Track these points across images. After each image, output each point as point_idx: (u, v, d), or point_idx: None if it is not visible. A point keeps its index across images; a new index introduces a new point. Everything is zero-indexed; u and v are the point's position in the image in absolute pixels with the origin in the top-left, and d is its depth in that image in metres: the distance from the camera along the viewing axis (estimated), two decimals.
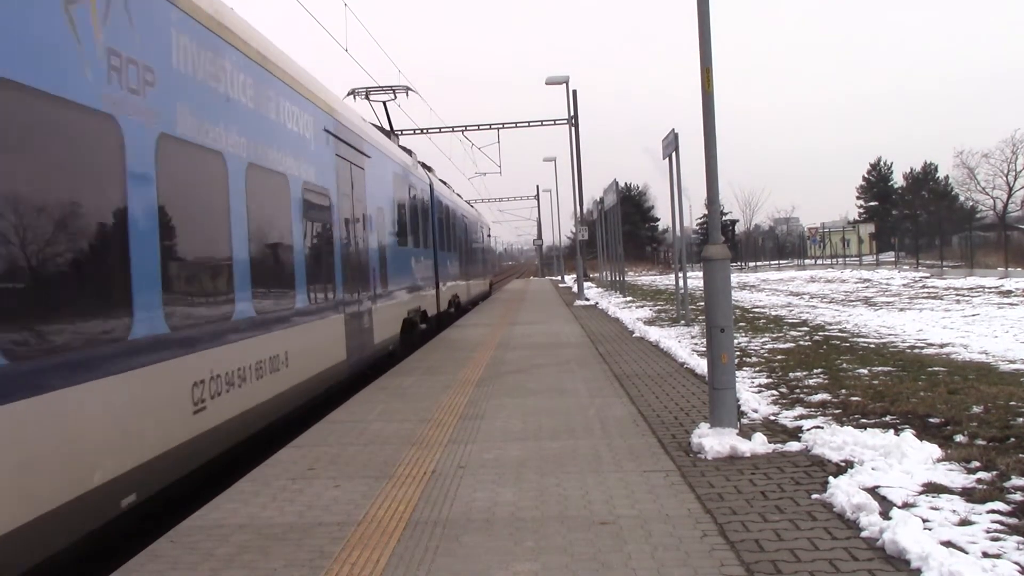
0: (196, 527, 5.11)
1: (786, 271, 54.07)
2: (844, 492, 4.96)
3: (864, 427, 6.85)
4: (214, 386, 6.45)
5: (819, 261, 64.51)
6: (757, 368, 10.80)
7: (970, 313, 17.67)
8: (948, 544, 4.22)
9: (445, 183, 26.08)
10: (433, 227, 20.03)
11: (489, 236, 45.60)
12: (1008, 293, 23.14)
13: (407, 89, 20.73)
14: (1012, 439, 6.36)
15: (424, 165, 21.49)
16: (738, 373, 9.39)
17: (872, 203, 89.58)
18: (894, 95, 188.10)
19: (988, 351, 11.42)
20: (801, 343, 13.37)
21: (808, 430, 6.85)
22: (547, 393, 9.47)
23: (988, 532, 4.46)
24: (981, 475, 5.49)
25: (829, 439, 6.33)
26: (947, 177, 79.03)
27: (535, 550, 4.45)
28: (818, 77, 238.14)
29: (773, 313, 20.16)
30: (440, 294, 20.31)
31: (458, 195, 30.48)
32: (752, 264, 66.93)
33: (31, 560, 4.15)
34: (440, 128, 37.73)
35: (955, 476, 5.51)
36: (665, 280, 46.91)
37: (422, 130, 37.06)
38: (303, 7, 16.18)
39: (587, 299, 29.21)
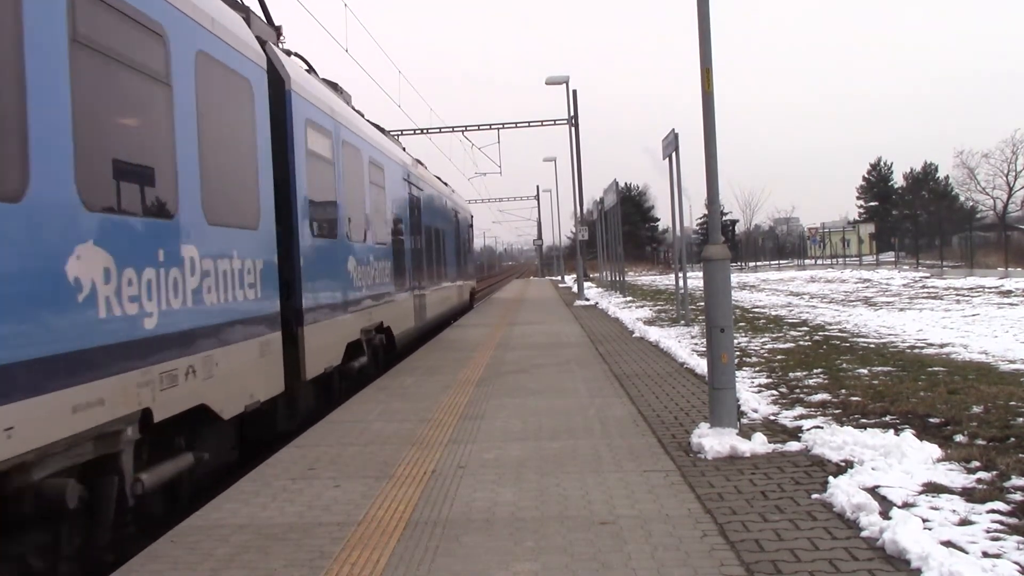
0: (196, 527, 5.11)
1: (786, 271, 54.07)
2: (844, 492, 4.96)
3: (864, 427, 6.85)
4: None
5: (819, 261, 64.52)
6: (757, 368, 10.80)
7: (970, 313, 17.68)
8: (948, 544, 4.22)
9: (380, 128, 15.42)
10: (291, 185, 8.73)
11: (471, 227, 32.60)
12: (1008, 293, 23.14)
13: None
14: (1012, 439, 6.36)
15: (329, 84, 11.67)
16: (738, 373, 9.39)
17: (872, 203, 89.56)
18: (894, 95, 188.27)
19: (988, 351, 11.41)
20: (801, 343, 13.37)
21: (808, 430, 6.85)
22: (547, 393, 9.47)
23: (988, 532, 4.46)
24: (981, 475, 5.49)
25: (829, 439, 6.33)
26: (947, 177, 79.12)
27: (535, 550, 4.45)
28: (818, 77, 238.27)
29: (773, 313, 20.16)
30: (309, 341, 8.83)
31: (421, 165, 19.79)
32: (752, 264, 66.94)
33: None
34: (440, 128, 37.79)
35: (955, 476, 5.51)
36: (665, 280, 46.91)
37: (422, 130, 37.12)
38: (303, 7, 16.19)
39: (587, 299, 29.21)
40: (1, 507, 4.29)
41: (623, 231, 33.95)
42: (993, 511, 4.77)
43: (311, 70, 10.82)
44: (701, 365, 10.13)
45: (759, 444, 6.39)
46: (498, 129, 37.75)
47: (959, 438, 6.48)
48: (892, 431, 6.48)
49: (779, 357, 11.75)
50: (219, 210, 6.61)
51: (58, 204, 4.48)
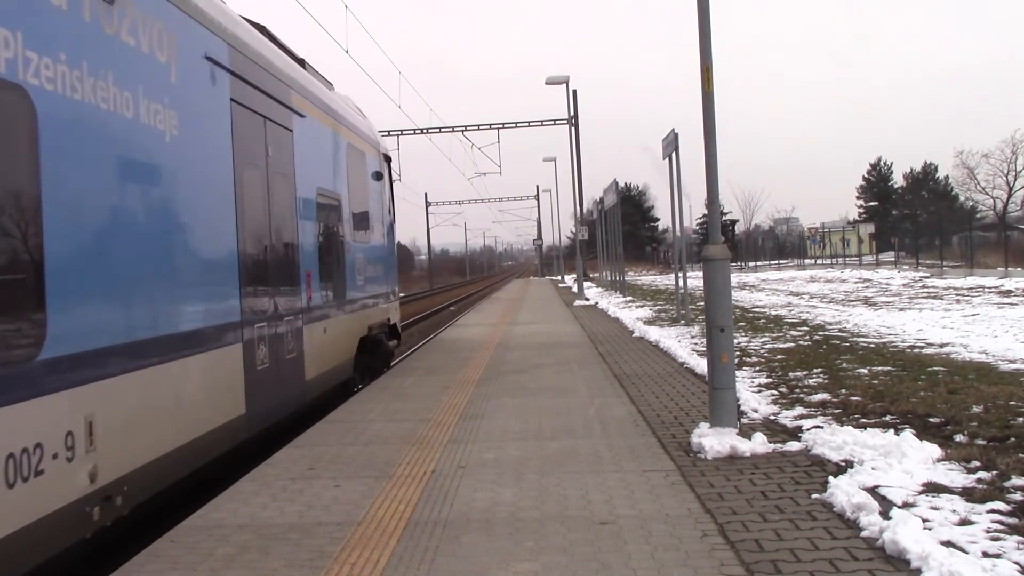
0: (196, 527, 5.11)
1: (786, 271, 54.06)
2: (844, 492, 4.96)
3: (864, 427, 6.85)
4: None
5: (819, 261, 64.47)
6: (757, 368, 10.80)
7: (970, 313, 17.67)
8: (948, 544, 4.22)
9: None
10: None
11: (379, 176, 13.40)
12: (1008, 293, 23.13)
13: None
14: (1012, 439, 6.35)
15: None
16: (738, 373, 9.38)
17: (872, 203, 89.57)
18: (894, 95, 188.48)
19: (988, 351, 11.41)
20: (801, 343, 13.37)
21: (808, 430, 6.85)
22: (547, 393, 9.47)
23: (988, 532, 4.46)
24: (981, 475, 5.48)
25: (829, 439, 6.33)
26: (947, 177, 79.17)
27: (535, 550, 4.45)
28: (819, 77, 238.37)
29: (773, 313, 20.16)
30: None
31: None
32: (752, 264, 66.91)
33: None
34: (440, 128, 37.83)
35: (955, 476, 5.50)
36: (665, 280, 46.90)
37: (422, 130, 37.15)
38: (303, 8, 16.20)
39: (587, 299, 29.21)
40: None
41: (623, 231, 33.96)
42: (993, 511, 4.77)
43: None
44: (701, 365, 10.13)
45: (759, 444, 6.39)
46: (498, 129, 37.79)
47: (959, 438, 6.47)
48: (892, 431, 6.48)
49: (779, 357, 11.74)
50: None
51: None
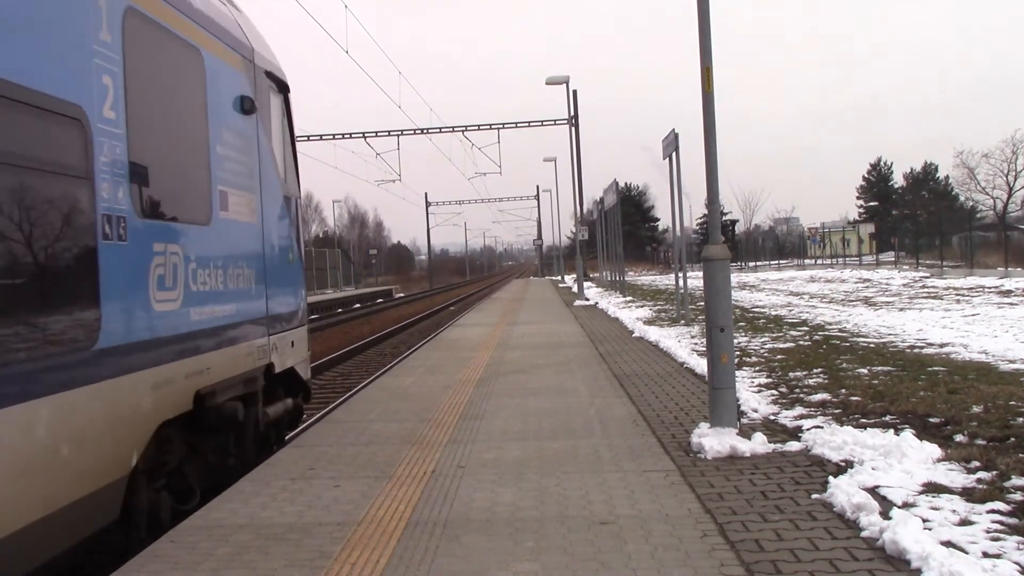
0: (196, 527, 5.11)
1: (786, 271, 54.07)
2: (844, 492, 4.96)
3: (864, 427, 6.85)
4: None
5: (819, 261, 64.44)
6: (757, 368, 10.80)
7: (970, 313, 17.67)
8: (948, 544, 4.22)
9: None
10: None
11: (249, 114, 7.16)
12: (1008, 293, 23.13)
13: None
14: (1012, 439, 6.35)
15: None
16: (738, 373, 9.37)
17: (872, 203, 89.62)
18: (894, 95, 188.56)
19: (988, 351, 11.40)
20: (801, 343, 13.37)
21: (808, 430, 6.85)
22: (547, 393, 9.47)
23: (988, 532, 4.46)
24: (981, 475, 5.48)
25: (829, 439, 6.33)
26: (947, 177, 79.13)
27: (535, 550, 4.45)
28: (819, 77, 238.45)
29: (773, 313, 20.16)
30: None
31: None
32: (752, 264, 66.90)
33: None
34: (440, 128, 37.88)
35: (955, 476, 5.50)
36: (665, 280, 46.89)
37: (422, 130, 37.20)
38: (303, 8, 16.22)
39: (587, 299, 29.22)
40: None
41: (623, 231, 33.96)
42: (993, 511, 4.76)
43: None
44: (701, 365, 10.12)
45: (759, 444, 6.39)
46: (498, 129, 37.85)
47: (959, 438, 6.47)
48: (892, 431, 6.48)
49: (779, 357, 11.74)
50: None
51: None
